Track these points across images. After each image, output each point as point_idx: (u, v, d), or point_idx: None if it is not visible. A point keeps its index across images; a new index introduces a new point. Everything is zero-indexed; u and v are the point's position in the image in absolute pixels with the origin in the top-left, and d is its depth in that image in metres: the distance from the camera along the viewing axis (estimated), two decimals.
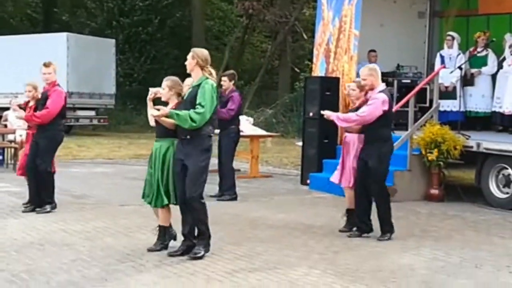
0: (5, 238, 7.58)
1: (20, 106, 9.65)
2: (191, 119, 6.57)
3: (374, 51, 13.04)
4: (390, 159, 8.00)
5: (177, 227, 7.08)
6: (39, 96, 9.39)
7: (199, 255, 6.75)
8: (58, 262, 6.59)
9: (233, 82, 10.71)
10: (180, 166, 6.79)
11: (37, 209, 9.14)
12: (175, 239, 7.16)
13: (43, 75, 9.22)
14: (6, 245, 7.24)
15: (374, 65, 8.17)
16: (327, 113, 8.06)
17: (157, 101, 7.13)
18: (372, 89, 7.92)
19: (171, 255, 6.87)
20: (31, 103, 9.45)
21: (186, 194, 6.76)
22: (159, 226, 7.12)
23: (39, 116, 9.05)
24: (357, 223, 8.09)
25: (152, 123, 7.04)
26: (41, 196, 9.20)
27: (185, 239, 6.94)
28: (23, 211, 9.11)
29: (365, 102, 8.08)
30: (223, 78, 10.73)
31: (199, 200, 6.79)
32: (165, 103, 7.05)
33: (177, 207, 6.99)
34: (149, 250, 7.04)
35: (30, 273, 6.19)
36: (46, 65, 9.23)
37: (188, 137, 6.72)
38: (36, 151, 9.15)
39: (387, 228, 7.92)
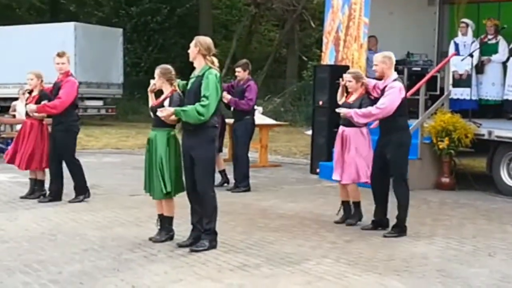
0: (17, 229, 7.58)
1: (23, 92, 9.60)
2: (198, 113, 6.47)
3: (373, 36, 12.88)
4: (409, 149, 7.71)
5: (178, 222, 7.06)
6: (43, 86, 9.35)
7: (201, 248, 6.67)
8: (70, 252, 6.59)
9: (247, 71, 10.61)
10: (188, 157, 6.74)
11: (71, 199, 9.27)
12: (172, 238, 7.07)
13: (56, 65, 9.17)
14: (18, 235, 7.24)
15: (389, 53, 7.82)
16: (343, 111, 7.70)
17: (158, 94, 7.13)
18: (382, 77, 7.67)
19: (180, 245, 6.83)
20: (34, 93, 9.36)
21: (198, 188, 6.70)
22: (163, 216, 7.08)
23: (51, 106, 9.01)
24: (378, 220, 7.89)
25: (152, 114, 7.01)
26: (75, 187, 9.34)
27: (194, 229, 6.89)
28: (40, 201, 9.16)
29: (363, 94, 7.90)
30: (237, 69, 10.60)
31: (211, 194, 6.73)
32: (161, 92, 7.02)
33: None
34: (154, 241, 6.97)
35: (42, 264, 6.19)
36: (60, 55, 9.18)
37: (192, 128, 6.63)
38: (54, 145, 9.17)
39: (398, 228, 7.61)
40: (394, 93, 7.44)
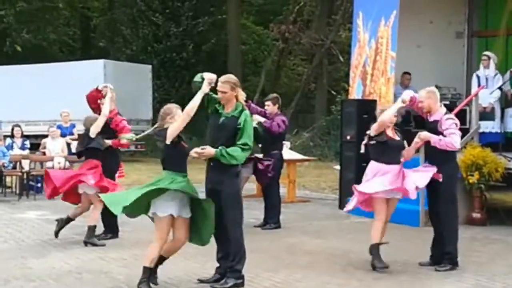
0: (44, 266, 7.60)
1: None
2: (236, 159, 6.46)
3: (408, 73, 12.86)
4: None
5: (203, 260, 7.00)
6: None
7: (224, 286, 6.60)
8: None
9: (277, 105, 10.56)
10: (213, 192, 6.65)
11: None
12: None
13: None
14: (45, 273, 7.25)
15: (433, 88, 7.94)
16: None
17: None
18: (429, 112, 7.73)
19: (203, 282, 6.77)
20: None
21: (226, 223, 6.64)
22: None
23: None
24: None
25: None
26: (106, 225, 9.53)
27: (220, 266, 6.82)
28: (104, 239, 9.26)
29: None
30: (267, 103, 10.53)
31: (239, 230, 6.66)
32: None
33: None
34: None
35: None
36: None
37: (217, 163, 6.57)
38: None
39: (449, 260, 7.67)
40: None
